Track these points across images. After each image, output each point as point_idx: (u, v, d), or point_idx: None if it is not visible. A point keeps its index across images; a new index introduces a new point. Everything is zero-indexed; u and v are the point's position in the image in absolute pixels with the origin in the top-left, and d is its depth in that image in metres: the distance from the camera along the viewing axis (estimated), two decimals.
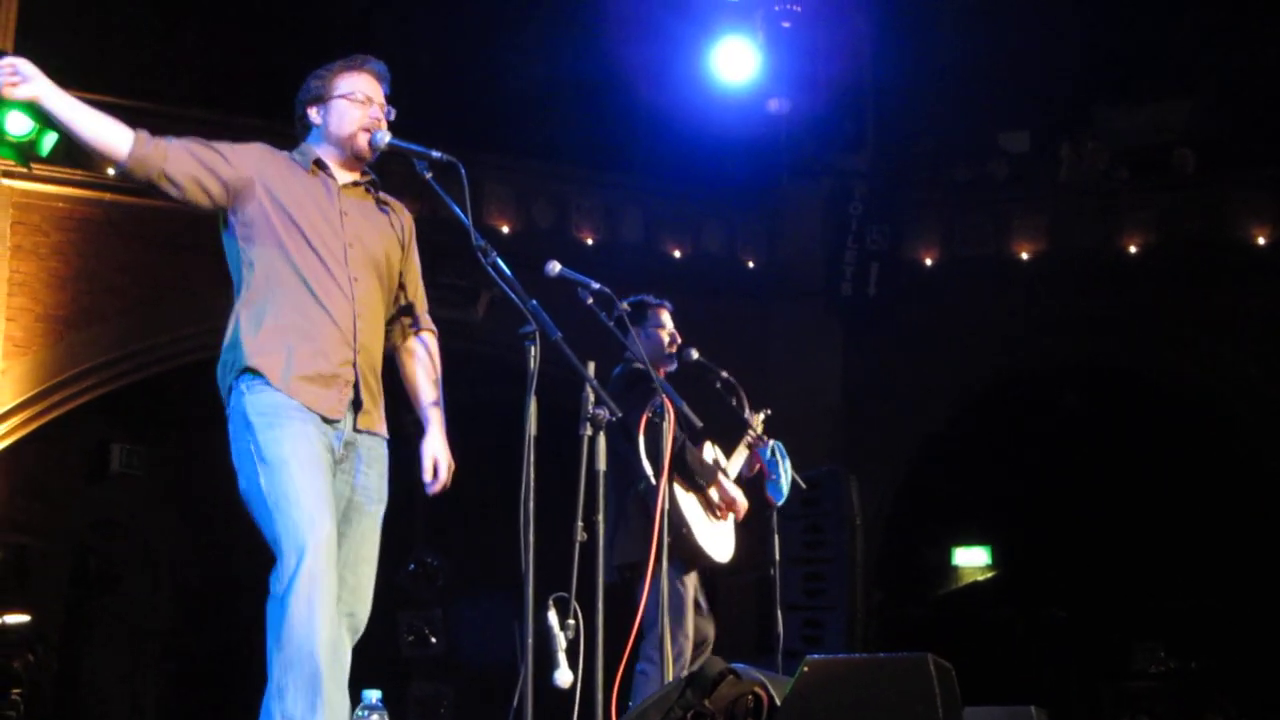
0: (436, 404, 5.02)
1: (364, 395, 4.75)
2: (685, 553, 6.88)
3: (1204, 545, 16.20)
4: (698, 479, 7.01)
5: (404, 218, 5.09)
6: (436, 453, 4.92)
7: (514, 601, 4.58)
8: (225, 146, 4.74)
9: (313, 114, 4.94)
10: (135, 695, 16.24)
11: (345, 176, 4.95)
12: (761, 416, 7.62)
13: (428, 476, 4.91)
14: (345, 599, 4.63)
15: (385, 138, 4.87)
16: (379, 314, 4.92)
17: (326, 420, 4.63)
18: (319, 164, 4.89)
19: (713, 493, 7.14)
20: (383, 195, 5.05)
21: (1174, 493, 16.25)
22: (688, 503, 6.95)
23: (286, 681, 4.28)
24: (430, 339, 5.15)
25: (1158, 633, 16.24)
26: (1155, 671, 16.01)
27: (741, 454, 7.53)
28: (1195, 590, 16.26)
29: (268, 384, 4.57)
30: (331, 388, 4.66)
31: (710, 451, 7.29)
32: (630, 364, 6.87)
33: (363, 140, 4.88)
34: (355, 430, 4.73)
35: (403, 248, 5.04)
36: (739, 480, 7.47)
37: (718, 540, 7.12)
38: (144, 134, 4.58)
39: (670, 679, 5.98)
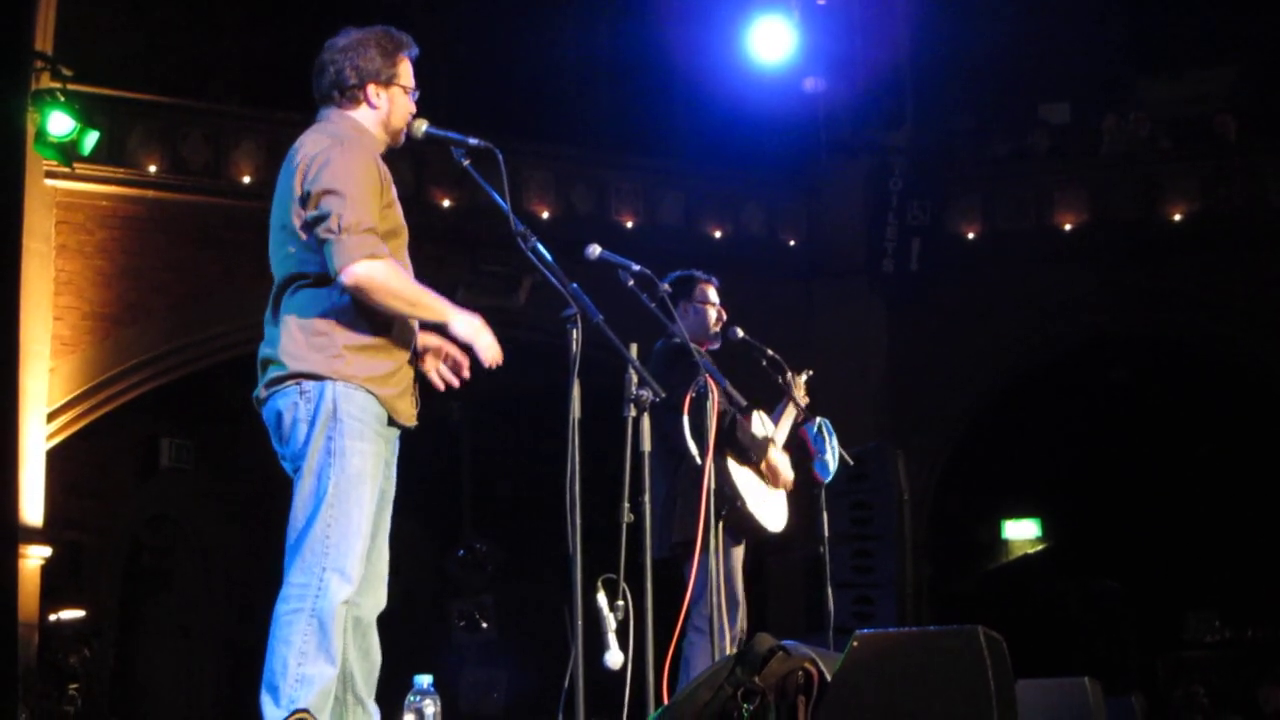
0: None
1: None
2: (741, 525, 6.85)
3: (1256, 514, 16.10)
4: (749, 453, 6.95)
5: None
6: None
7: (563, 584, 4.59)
8: (378, 208, 4.54)
9: (373, 93, 4.73)
10: (191, 689, 16.36)
11: None
12: (804, 378, 7.54)
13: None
14: (376, 586, 4.69)
15: (423, 126, 4.79)
16: None
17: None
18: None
19: (762, 466, 7.09)
20: None
21: (1224, 462, 16.16)
22: (741, 475, 6.88)
23: (299, 695, 4.34)
24: None
25: (1212, 602, 16.16)
26: (1210, 641, 15.94)
27: (788, 417, 7.42)
28: (1249, 559, 16.17)
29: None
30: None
31: (758, 423, 7.21)
32: (671, 340, 6.77)
33: (402, 133, 4.80)
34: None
35: None
36: (789, 442, 7.39)
37: (772, 510, 7.06)
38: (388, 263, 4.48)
39: (720, 650, 5.96)
